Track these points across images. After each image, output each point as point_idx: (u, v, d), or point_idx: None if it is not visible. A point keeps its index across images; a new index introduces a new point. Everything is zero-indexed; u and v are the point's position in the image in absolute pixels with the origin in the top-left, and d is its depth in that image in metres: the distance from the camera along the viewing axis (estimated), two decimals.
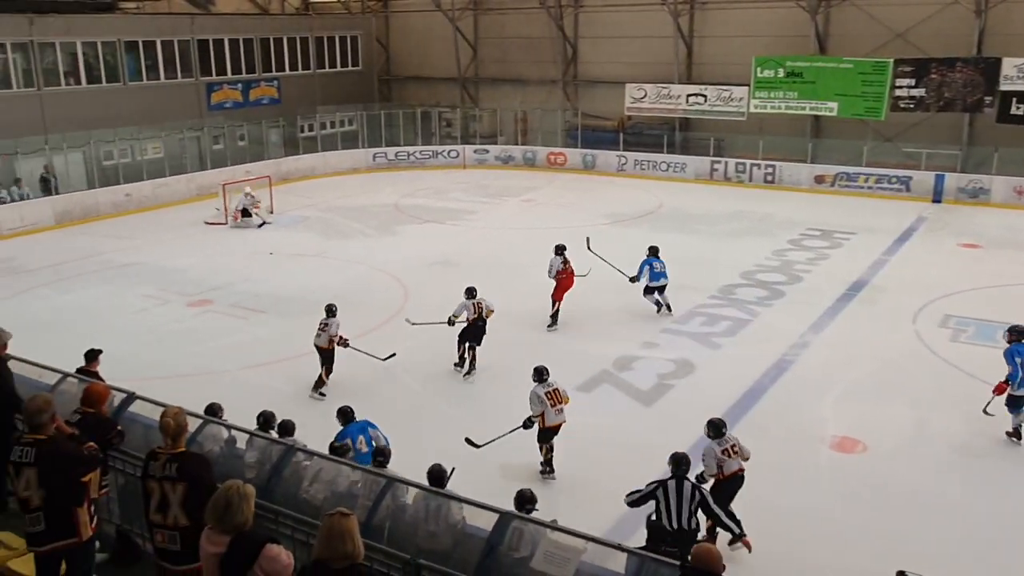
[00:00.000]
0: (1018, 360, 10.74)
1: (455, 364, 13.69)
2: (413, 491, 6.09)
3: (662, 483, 7.81)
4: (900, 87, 26.41)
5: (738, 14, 29.75)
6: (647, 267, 16.03)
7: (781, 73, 28.15)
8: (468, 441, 10.22)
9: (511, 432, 10.23)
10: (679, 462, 7.88)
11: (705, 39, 31.00)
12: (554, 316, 15.77)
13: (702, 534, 7.95)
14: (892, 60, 26.39)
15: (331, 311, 12.85)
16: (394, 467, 7.59)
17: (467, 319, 13.40)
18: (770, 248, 20.76)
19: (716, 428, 8.84)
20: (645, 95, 31.10)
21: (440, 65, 36.94)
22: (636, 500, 7.96)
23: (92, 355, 9.77)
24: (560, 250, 15.86)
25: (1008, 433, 11.11)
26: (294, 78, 34.24)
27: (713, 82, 30.19)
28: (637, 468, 10.35)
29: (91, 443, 5.57)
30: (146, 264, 20.13)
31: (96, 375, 9.31)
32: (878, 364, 13.72)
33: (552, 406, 10.24)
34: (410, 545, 5.61)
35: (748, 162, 29.22)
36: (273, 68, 33.47)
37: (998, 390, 10.94)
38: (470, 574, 5.19)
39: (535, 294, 17.25)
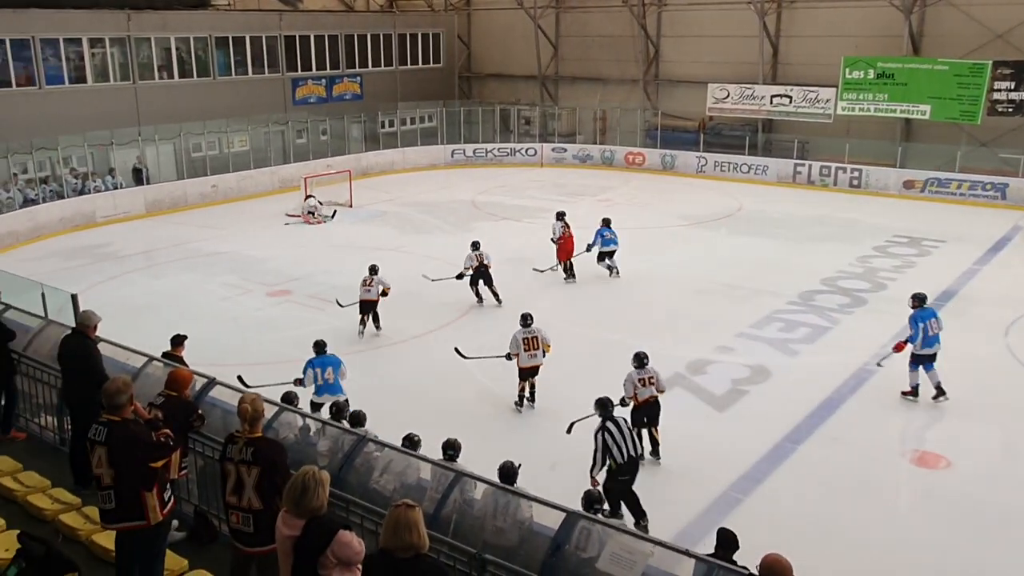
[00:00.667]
0: (921, 324, 11.96)
1: (476, 304, 16.48)
2: (482, 486, 6.10)
3: (602, 428, 8.85)
4: (998, 90, 25.35)
5: (827, 13, 28.95)
6: (599, 236, 17.98)
7: (871, 74, 27.30)
8: (457, 351, 12.69)
9: (494, 357, 12.29)
10: (605, 404, 9.05)
11: (792, 38, 30.26)
12: (567, 271, 18.09)
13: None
14: (990, 62, 25.31)
15: (376, 269, 15.16)
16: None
17: (471, 268, 16.19)
18: (854, 254, 20.15)
19: (639, 359, 10.43)
20: (728, 95, 30.56)
21: (521, 63, 37.02)
22: (599, 459, 8.76)
23: (178, 340, 10.13)
24: (560, 216, 18.31)
25: (903, 392, 12.25)
26: (376, 74, 34.80)
27: (799, 83, 29.48)
28: (708, 474, 10.23)
29: (166, 430, 5.67)
30: (230, 253, 20.74)
31: (180, 359, 9.64)
32: (965, 378, 13.15)
33: (526, 350, 11.84)
34: (476, 540, 5.63)
35: (833, 165, 28.40)
36: (356, 64, 34.09)
37: (897, 348, 12.26)
38: (535, 572, 5.18)
39: (608, 293, 17.19)
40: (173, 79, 28.36)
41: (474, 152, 33.61)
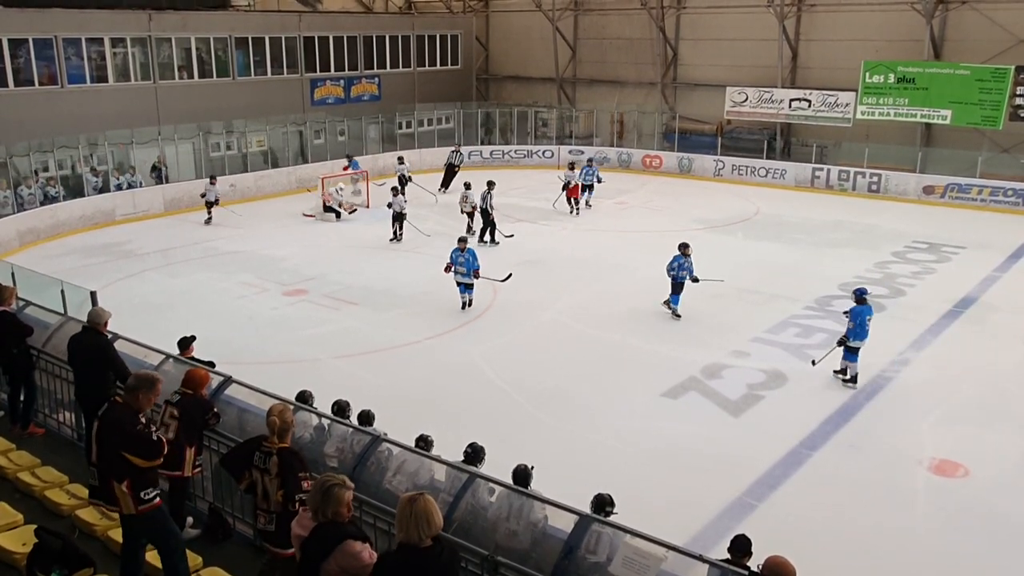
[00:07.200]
0: (859, 319, 12.78)
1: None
2: (497, 488, 6.09)
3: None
4: (1021, 95, 25.12)
5: (847, 17, 28.78)
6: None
7: (892, 79, 27.11)
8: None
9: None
10: None
11: (811, 42, 30.09)
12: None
13: None
14: (1013, 67, 25.09)
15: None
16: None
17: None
18: (872, 260, 20.00)
19: None
20: (746, 99, 30.44)
21: (539, 65, 37.02)
22: None
23: (185, 343, 10.08)
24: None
25: (835, 371, 13.12)
26: (395, 75, 34.89)
27: (818, 87, 29.31)
28: (722, 479, 10.19)
29: (159, 433, 5.61)
30: (247, 253, 20.84)
31: (192, 360, 9.65)
32: (983, 386, 13.05)
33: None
34: (488, 542, 5.62)
35: (852, 170, 28.21)
36: (375, 66, 34.18)
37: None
38: (547, 575, 5.16)
39: (623, 297, 17.14)
40: (193, 79, 28.54)
41: (491, 154, 33.61)
